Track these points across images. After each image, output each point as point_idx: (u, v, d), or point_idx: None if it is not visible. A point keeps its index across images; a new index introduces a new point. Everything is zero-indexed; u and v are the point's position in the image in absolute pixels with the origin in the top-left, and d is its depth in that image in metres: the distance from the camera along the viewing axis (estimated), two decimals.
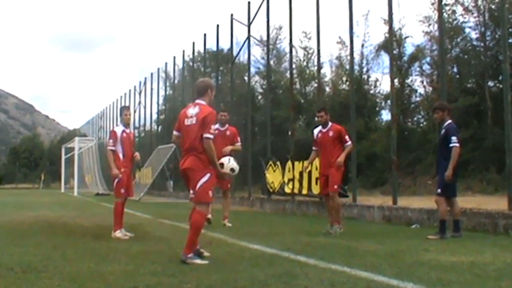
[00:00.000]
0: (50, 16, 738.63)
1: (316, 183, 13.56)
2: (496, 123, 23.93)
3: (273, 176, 18.25)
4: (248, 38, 22.25)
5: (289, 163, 16.99)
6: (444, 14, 26.67)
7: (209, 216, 10.53)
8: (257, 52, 33.67)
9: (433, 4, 29.12)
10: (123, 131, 9.98)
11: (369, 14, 34.20)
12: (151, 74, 38.41)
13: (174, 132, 7.24)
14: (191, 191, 6.87)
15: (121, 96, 46.62)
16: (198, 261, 6.51)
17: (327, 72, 37.15)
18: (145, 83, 40.13)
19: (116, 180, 9.77)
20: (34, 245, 8.32)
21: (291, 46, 20.78)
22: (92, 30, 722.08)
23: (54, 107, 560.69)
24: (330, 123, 10.53)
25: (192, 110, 7.00)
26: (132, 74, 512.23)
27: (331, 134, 10.43)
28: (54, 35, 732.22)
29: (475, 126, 27.32)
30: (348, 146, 10.41)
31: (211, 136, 6.82)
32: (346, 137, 10.39)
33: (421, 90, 33.09)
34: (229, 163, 7.21)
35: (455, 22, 29.77)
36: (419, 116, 33.80)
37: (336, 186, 10.29)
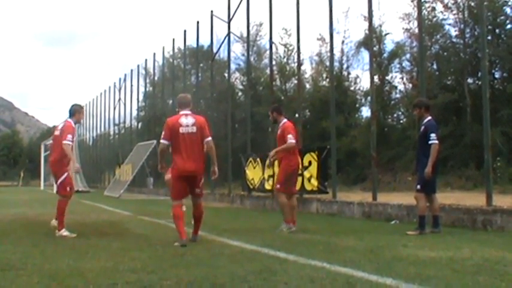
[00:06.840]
0: (32, 12, 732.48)
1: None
2: (475, 120, 24.14)
3: (253, 173, 18.24)
4: (228, 34, 22.22)
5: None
6: (424, 11, 26.94)
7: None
8: (237, 49, 33.68)
9: (412, 1, 29.30)
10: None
11: (349, 11, 34.42)
12: (131, 70, 38.19)
13: (165, 142, 8.10)
14: (197, 190, 8.25)
15: (101, 93, 46.38)
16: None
17: (307, 68, 37.33)
18: (125, 80, 39.91)
19: (65, 176, 9.57)
20: (13, 242, 8.26)
21: (271, 43, 20.75)
22: (75, 26, 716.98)
23: (34, 104, 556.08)
24: (283, 122, 10.20)
25: (186, 120, 8.10)
26: (114, 70, 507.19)
27: (279, 132, 10.25)
28: (36, 30, 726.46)
29: (454, 122, 27.55)
30: (287, 143, 9.90)
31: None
32: (289, 136, 9.87)
33: (400, 86, 33.32)
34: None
35: (434, 19, 29.97)
36: (399, 113, 33.97)
37: (278, 186, 10.09)
